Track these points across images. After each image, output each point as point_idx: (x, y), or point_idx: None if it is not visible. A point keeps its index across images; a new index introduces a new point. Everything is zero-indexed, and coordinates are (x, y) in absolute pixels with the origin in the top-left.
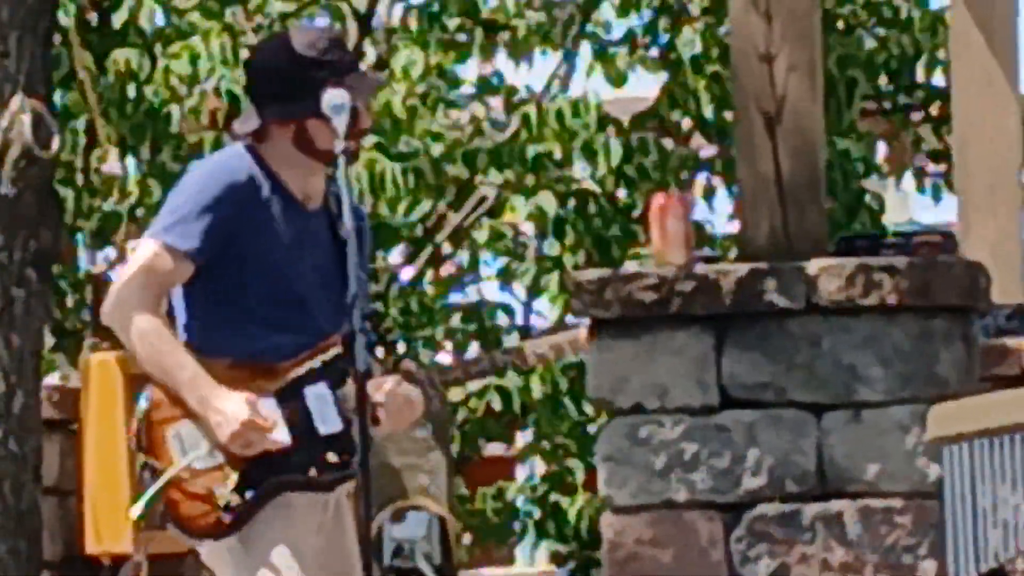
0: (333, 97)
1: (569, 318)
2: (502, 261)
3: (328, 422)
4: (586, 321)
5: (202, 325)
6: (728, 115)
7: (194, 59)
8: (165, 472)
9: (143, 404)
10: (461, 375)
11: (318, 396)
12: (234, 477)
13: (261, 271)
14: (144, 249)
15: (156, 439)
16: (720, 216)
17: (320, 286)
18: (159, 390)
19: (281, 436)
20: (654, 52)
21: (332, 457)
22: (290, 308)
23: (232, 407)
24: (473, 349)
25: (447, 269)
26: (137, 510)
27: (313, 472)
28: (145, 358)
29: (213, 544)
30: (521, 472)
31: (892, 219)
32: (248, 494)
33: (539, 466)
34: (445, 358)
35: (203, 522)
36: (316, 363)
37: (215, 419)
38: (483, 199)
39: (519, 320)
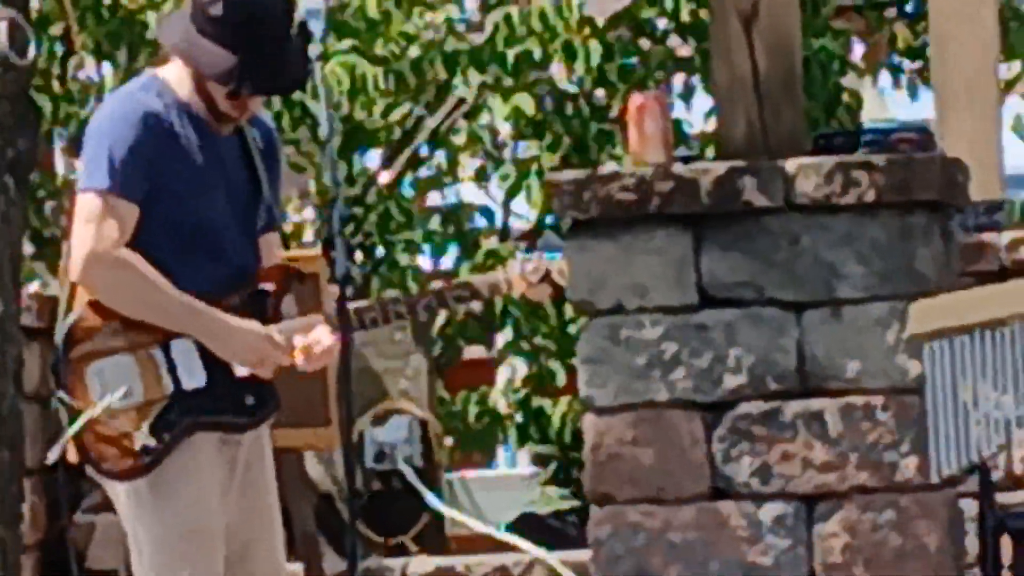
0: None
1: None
2: (480, 163)
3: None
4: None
5: None
6: (704, 14)
7: None
8: (83, 413)
9: (61, 336)
10: (405, 310)
11: None
12: (150, 419)
13: (178, 201)
14: (92, 204)
15: (75, 376)
16: (697, 115)
17: (232, 215)
18: (81, 326)
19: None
20: None
21: (249, 399)
22: (208, 239)
23: (249, 330)
24: (451, 253)
25: (426, 172)
26: (53, 456)
27: (229, 415)
28: (141, 299)
29: (121, 484)
30: (502, 374)
31: (869, 117)
32: (165, 436)
33: (520, 368)
34: (424, 261)
35: (117, 463)
36: (234, 300)
37: (231, 344)
38: (461, 101)
39: (498, 222)
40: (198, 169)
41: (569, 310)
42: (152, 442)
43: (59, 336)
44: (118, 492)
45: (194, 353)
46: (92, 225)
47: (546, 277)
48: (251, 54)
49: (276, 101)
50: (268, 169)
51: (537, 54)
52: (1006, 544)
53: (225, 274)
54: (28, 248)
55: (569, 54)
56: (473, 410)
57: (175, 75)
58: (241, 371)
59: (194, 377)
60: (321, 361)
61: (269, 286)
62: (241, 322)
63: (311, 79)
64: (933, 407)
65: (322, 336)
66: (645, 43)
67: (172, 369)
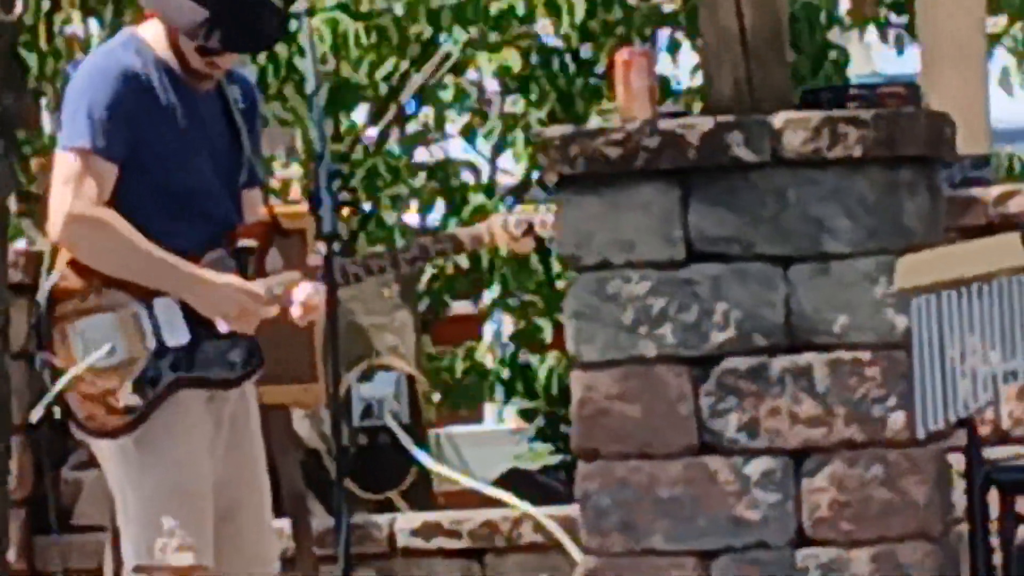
0: None
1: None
2: (466, 119)
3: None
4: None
5: None
6: None
7: None
8: (67, 372)
9: (44, 296)
10: (388, 263)
11: None
12: (134, 377)
13: (159, 160)
14: (71, 163)
15: (58, 335)
16: (684, 70)
17: (213, 172)
18: (63, 285)
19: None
20: None
21: (233, 356)
22: (189, 196)
23: (228, 283)
24: (438, 208)
25: (412, 128)
26: (36, 415)
27: (214, 372)
28: (121, 258)
29: (107, 442)
30: (488, 330)
31: (856, 71)
32: (148, 393)
33: (506, 324)
34: (411, 218)
35: (102, 422)
36: (218, 254)
37: (211, 299)
38: (447, 56)
39: (484, 178)
40: (178, 127)
41: (556, 265)
42: (136, 400)
43: (41, 295)
44: (104, 450)
45: (177, 311)
46: (71, 184)
47: (529, 230)
48: (222, 10)
49: (262, 57)
50: (249, 126)
51: (521, 9)
52: (993, 498)
53: (207, 231)
54: (15, 205)
55: (553, 9)
56: (460, 366)
57: (153, 32)
58: (223, 327)
59: (177, 335)
60: (311, 314)
61: (251, 242)
62: (220, 276)
63: (297, 35)
64: (920, 362)
65: (311, 292)
66: None
67: (155, 327)
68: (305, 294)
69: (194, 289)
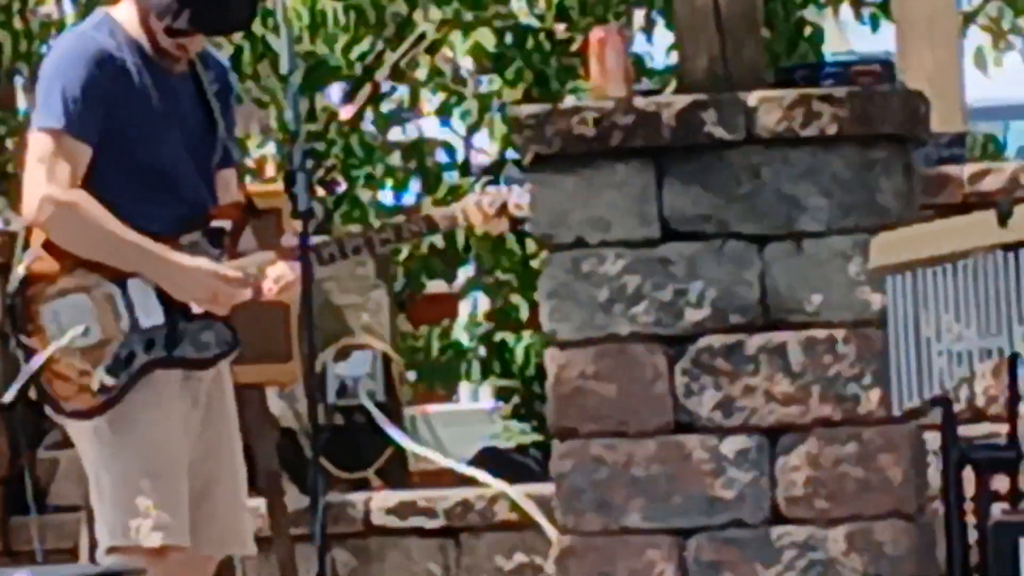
0: None
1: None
2: (442, 98)
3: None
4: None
5: None
6: None
7: None
8: (40, 353)
9: (17, 280)
10: (362, 243)
11: None
12: (108, 358)
13: (132, 142)
14: (44, 144)
15: (32, 315)
16: (659, 49)
17: (187, 153)
18: (37, 265)
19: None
20: None
21: (209, 336)
22: (163, 179)
23: (200, 267)
24: (414, 187)
25: (387, 107)
26: (9, 396)
27: (191, 351)
28: (93, 240)
29: (81, 423)
30: (464, 308)
31: (831, 49)
32: (122, 375)
33: (482, 302)
34: (386, 196)
35: (75, 402)
36: (195, 236)
37: (183, 283)
38: (422, 36)
39: (459, 157)
40: (152, 108)
41: (532, 244)
42: (110, 381)
43: (15, 276)
44: (78, 431)
45: (151, 291)
46: (44, 166)
47: (503, 210)
48: None
49: (237, 36)
50: (223, 108)
51: None
52: (968, 477)
53: (180, 213)
54: None
55: None
56: (436, 345)
57: (127, 14)
58: (197, 308)
59: (152, 315)
60: (285, 293)
61: (225, 223)
62: (192, 260)
63: (273, 14)
64: (895, 340)
65: (285, 271)
66: None
67: (129, 307)
68: (278, 272)
69: (166, 273)
